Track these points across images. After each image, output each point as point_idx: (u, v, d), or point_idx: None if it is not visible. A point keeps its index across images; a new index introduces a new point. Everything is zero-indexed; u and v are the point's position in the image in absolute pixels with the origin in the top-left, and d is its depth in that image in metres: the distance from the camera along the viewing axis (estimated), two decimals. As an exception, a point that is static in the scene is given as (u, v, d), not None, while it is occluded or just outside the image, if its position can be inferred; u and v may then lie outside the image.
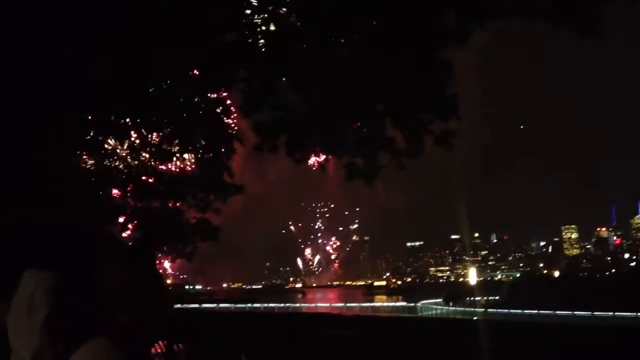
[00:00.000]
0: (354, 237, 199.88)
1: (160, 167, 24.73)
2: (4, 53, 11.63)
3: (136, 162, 21.67)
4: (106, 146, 20.20)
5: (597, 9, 10.33)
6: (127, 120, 19.40)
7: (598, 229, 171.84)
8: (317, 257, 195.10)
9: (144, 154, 21.70)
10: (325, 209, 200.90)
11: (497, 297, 65.91)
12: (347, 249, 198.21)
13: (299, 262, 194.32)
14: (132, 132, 20.49)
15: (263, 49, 14.74)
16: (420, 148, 14.02)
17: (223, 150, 20.79)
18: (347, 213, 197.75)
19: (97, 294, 3.36)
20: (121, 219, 23.49)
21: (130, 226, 25.59)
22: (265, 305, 69.95)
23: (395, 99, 13.51)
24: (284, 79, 14.21)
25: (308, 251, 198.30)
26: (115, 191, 23.59)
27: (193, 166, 23.57)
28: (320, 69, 12.92)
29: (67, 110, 15.64)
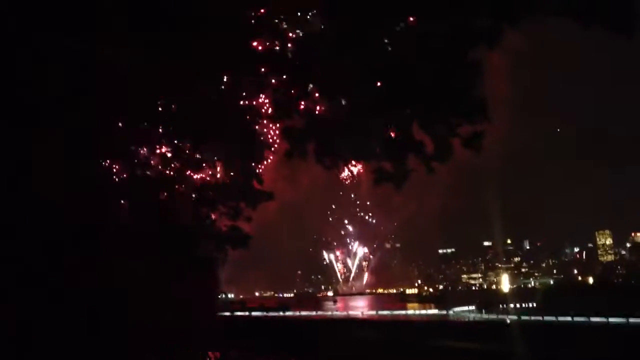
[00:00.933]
0: (386, 245, 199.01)
1: (192, 175, 25.10)
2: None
3: (168, 171, 22.03)
4: (139, 156, 20.60)
5: (631, 6, 10.31)
6: (159, 129, 19.80)
7: (633, 234, 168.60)
8: (349, 265, 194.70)
9: (175, 163, 22.06)
10: (357, 217, 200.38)
11: (530, 304, 65.20)
12: (379, 256, 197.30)
13: (335, 267, 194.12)
14: (163, 141, 20.87)
15: (292, 54, 14.93)
16: (449, 151, 14.08)
17: (253, 157, 21.05)
18: (374, 221, 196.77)
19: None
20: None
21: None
22: (299, 313, 70.23)
23: (423, 101, 13.59)
24: (312, 85, 14.40)
25: (339, 259, 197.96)
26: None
27: (224, 174, 23.86)
28: (349, 72, 13.08)
29: (105, 117, 15.98)
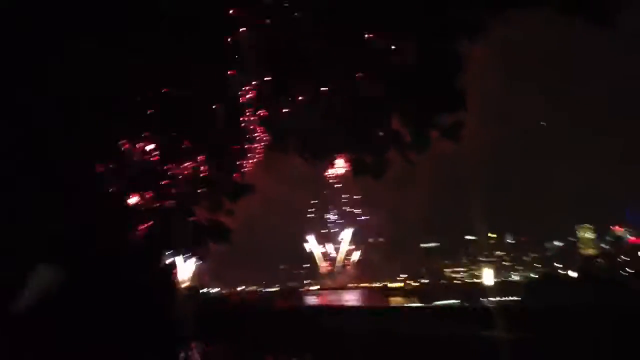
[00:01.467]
0: (369, 239, 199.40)
1: (173, 169, 24.97)
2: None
3: (150, 165, 21.92)
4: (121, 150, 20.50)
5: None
6: (144, 121, 19.69)
7: (613, 227, 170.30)
8: (332, 259, 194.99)
9: (156, 156, 21.95)
10: (341, 211, 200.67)
11: (514, 298, 65.45)
12: (362, 250, 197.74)
13: (317, 260, 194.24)
14: (148, 134, 20.74)
15: (277, 49, 14.95)
16: (427, 142, 14.17)
17: (236, 150, 21.03)
18: (358, 216, 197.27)
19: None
20: (134, 220, 23.99)
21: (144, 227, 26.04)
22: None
23: (404, 93, 13.66)
24: (294, 77, 14.43)
25: (322, 252, 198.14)
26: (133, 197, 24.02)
27: (205, 167, 23.79)
28: (331, 66, 13.13)
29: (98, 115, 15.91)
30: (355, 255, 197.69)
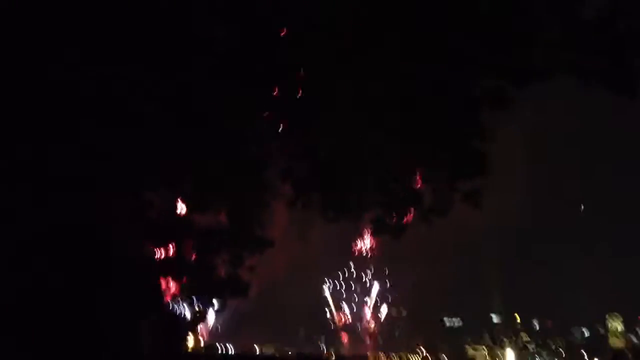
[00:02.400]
0: (392, 312, 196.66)
1: (194, 219, 24.88)
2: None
3: (172, 215, 21.91)
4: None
5: (633, 67, 10.24)
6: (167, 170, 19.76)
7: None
8: (353, 328, 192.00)
9: (179, 206, 22.00)
10: (364, 281, 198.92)
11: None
12: (383, 322, 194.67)
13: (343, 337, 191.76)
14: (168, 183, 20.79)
15: (299, 94, 14.94)
16: (448, 205, 13.85)
17: (258, 203, 20.92)
18: (376, 283, 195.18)
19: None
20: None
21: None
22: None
23: (427, 154, 13.47)
24: (316, 127, 14.32)
25: (344, 322, 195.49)
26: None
27: (226, 220, 23.70)
28: (358, 119, 13.01)
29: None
30: (376, 327, 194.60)
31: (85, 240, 13.71)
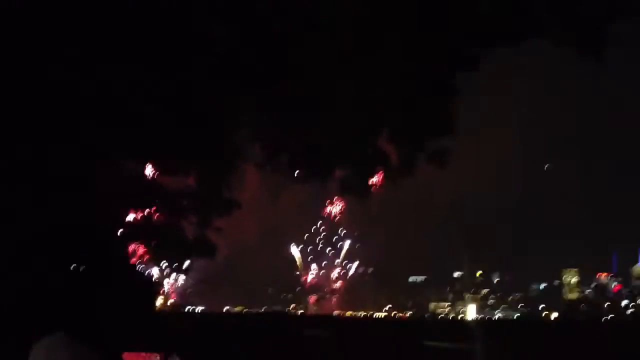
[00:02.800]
0: (358, 269, 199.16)
1: (163, 183, 25.05)
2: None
3: (141, 178, 22.07)
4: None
5: (600, 30, 10.73)
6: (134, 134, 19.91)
7: (598, 274, 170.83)
8: (319, 285, 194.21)
9: (148, 170, 22.14)
10: (330, 239, 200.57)
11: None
12: (350, 279, 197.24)
13: (301, 286, 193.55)
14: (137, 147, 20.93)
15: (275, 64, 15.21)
16: (413, 165, 14.37)
17: (223, 165, 21.19)
18: (347, 242, 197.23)
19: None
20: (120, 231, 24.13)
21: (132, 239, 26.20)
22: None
23: (394, 116, 13.89)
24: (285, 93, 14.62)
25: (311, 278, 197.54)
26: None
27: (195, 182, 23.94)
28: (324, 84, 13.34)
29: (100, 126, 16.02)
30: (342, 283, 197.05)
31: (59, 204, 13.83)
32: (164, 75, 13.19)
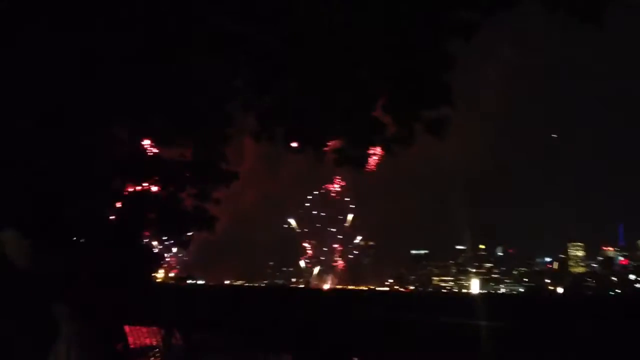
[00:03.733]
0: (359, 241, 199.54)
1: (159, 152, 24.73)
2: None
3: (137, 146, 21.65)
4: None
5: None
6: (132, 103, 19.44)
7: (604, 248, 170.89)
8: (321, 259, 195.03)
9: (145, 138, 21.69)
10: (334, 211, 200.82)
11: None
12: (352, 252, 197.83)
13: (302, 263, 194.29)
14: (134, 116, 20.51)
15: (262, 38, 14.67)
16: (412, 136, 13.93)
17: (218, 135, 20.73)
18: (351, 215, 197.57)
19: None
20: (118, 204, 23.66)
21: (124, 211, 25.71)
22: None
23: (390, 85, 13.44)
24: (280, 67, 14.14)
25: (311, 252, 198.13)
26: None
27: (191, 154, 23.53)
28: (320, 53, 12.86)
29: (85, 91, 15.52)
30: (344, 257, 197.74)
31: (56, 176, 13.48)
32: (159, 43, 12.79)
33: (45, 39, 11.33)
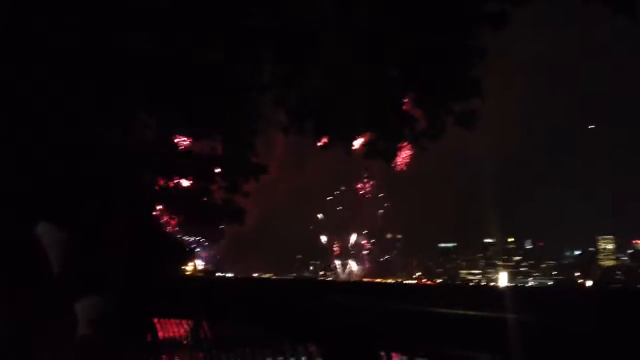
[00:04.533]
0: (387, 235, 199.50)
1: (189, 146, 24.93)
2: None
3: (167, 140, 21.89)
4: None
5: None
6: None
7: (634, 241, 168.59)
8: (348, 252, 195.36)
9: (175, 132, 21.91)
10: (361, 204, 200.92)
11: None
12: (379, 245, 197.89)
13: (335, 263, 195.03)
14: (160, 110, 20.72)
15: (291, 29, 14.76)
16: (442, 129, 13.93)
17: (252, 130, 20.88)
18: (381, 211, 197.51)
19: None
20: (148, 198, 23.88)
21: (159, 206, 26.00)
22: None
23: (419, 78, 13.45)
24: (308, 58, 14.21)
25: (340, 246, 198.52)
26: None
27: (221, 147, 23.69)
28: (347, 46, 12.93)
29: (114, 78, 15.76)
30: (372, 250, 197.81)
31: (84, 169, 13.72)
32: (191, 36, 12.95)
33: (77, 36, 11.57)
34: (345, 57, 13.44)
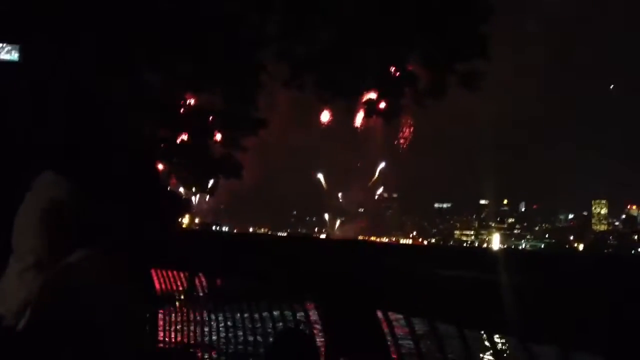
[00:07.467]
0: (382, 193, 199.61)
1: (189, 100, 24.76)
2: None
3: (168, 92, 21.66)
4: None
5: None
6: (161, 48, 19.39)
7: (629, 206, 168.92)
8: (343, 209, 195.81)
9: (175, 85, 21.68)
10: (358, 162, 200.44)
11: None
12: (375, 203, 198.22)
13: (326, 216, 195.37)
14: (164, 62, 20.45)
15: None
16: (444, 88, 13.85)
17: (252, 83, 20.69)
18: (377, 169, 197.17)
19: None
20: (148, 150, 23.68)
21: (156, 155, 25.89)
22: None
23: (424, 35, 13.30)
24: (313, 12, 14.03)
25: (335, 201, 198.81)
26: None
27: (221, 101, 23.48)
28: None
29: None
30: (367, 208, 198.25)
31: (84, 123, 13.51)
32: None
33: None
34: (357, 8, 13.23)
